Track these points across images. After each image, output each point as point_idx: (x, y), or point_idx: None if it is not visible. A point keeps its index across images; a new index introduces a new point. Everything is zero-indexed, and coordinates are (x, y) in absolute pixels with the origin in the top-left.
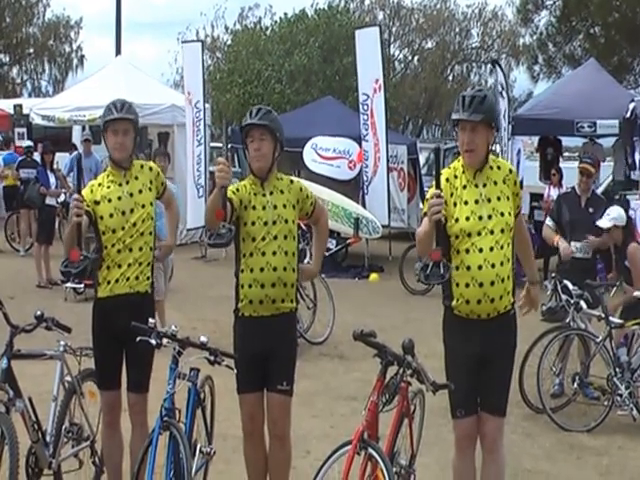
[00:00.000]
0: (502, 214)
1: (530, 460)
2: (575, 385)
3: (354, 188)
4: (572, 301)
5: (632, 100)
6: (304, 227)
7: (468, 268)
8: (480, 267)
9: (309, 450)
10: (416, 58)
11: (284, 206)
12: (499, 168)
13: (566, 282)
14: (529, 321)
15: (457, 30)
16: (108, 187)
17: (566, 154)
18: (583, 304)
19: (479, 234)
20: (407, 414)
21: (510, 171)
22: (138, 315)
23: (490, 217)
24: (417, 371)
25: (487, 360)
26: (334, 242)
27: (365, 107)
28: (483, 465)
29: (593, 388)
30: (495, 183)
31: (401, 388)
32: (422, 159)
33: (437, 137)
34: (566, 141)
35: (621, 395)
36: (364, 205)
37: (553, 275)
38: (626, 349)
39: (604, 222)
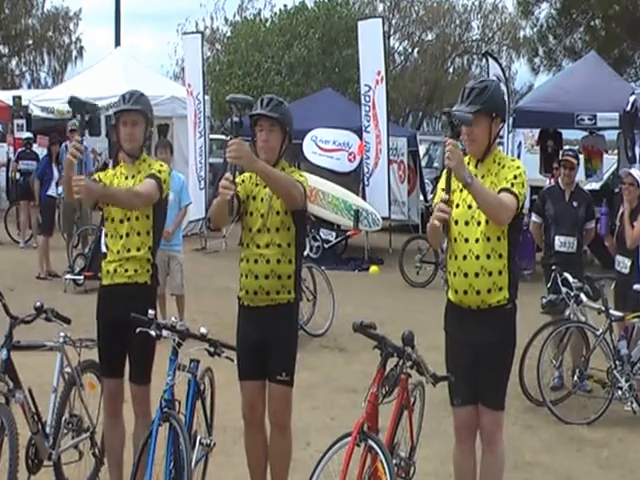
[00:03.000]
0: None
1: (530, 452)
2: (575, 378)
3: (354, 180)
4: (572, 294)
5: (632, 93)
6: None
7: (456, 257)
8: (465, 257)
9: (309, 442)
10: (416, 50)
11: (277, 197)
12: (503, 167)
13: (566, 275)
14: (529, 314)
15: (457, 22)
16: (117, 177)
17: (566, 147)
18: (583, 297)
19: (466, 223)
20: (407, 406)
21: (515, 177)
22: (137, 305)
23: (473, 212)
24: (417, 363)
25: (480, 353)
26: (334, 234)
27: (367, 98)
28: (482, 457)
29: (593, 381)
30: (489, 173)
31: (401, 380)
32: (422, 151)
33: (437, 130)
34: (567, 134)
35: (621, 388)
36: (364, 197)
37: (553, 268)
38: (626, 342)
39: (636, 172)
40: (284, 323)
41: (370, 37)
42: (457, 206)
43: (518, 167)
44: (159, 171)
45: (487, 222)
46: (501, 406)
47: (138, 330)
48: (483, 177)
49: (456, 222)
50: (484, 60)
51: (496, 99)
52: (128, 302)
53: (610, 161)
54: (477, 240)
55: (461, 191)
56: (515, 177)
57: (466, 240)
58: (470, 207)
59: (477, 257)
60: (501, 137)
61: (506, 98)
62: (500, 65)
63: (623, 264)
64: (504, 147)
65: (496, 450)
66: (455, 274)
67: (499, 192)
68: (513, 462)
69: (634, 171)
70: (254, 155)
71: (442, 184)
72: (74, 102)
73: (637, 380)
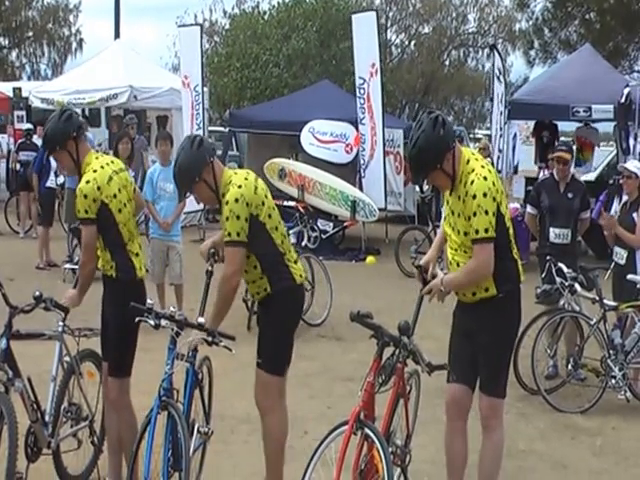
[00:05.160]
0: (458, 232)
1: (524, 440)
2: (569, 367)
3: (351, 171)
4: (566, 284)
5: (627, 85)
6: (301, 209)
7: (448, 257)
8: (450, 263)
9: (306, 430)
10: (413, 43)
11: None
12: (467, 193)
13: (561, 265)
14: (524, 304)
15: (454, 15)
16: None
17: (562, 139)
18: (577, 287)
19: (449, 235)
20: (403, 395)
21: (474, 196)
22: (109, 295)
23: (453, 229)
24: (413, 352)
25: (474, 338)
26: (331, 225)
27: (362, 91)
28: (481, 444)
29: (587, 370)
30: (459, 198)
31: (397, 369)
32: None
33: None
34: (562, 125)
35: (615, 377)
36: (361, 188)
37: (547, 258)
38: (620, 331)
39: (629, 166)
40: (264, 313)
41: (364, 30)
42: (444, 219)
43: (474, 195)
44: (78, 194)
45: (465, 234)
46: (496, 393)
47: (137, 320)
48: (457, 197)
49: (445, 218)
50: (487, 52)
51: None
52: (105, 293)
53: (604, 153)
54: (456, 250)
55: (447, 202)
56: (475, 214)
57: (451, 247)
58: (449, 225)
59: (458, 264)
60: (500, 129)
61: (503, 90)
62: (502, 58)
63: (620, 255)
64: (502, 139)
65: (493, 437)
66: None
67: (473, 242)
68: (507, 450)
69: (628, 164)
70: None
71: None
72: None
73: (632, 368)
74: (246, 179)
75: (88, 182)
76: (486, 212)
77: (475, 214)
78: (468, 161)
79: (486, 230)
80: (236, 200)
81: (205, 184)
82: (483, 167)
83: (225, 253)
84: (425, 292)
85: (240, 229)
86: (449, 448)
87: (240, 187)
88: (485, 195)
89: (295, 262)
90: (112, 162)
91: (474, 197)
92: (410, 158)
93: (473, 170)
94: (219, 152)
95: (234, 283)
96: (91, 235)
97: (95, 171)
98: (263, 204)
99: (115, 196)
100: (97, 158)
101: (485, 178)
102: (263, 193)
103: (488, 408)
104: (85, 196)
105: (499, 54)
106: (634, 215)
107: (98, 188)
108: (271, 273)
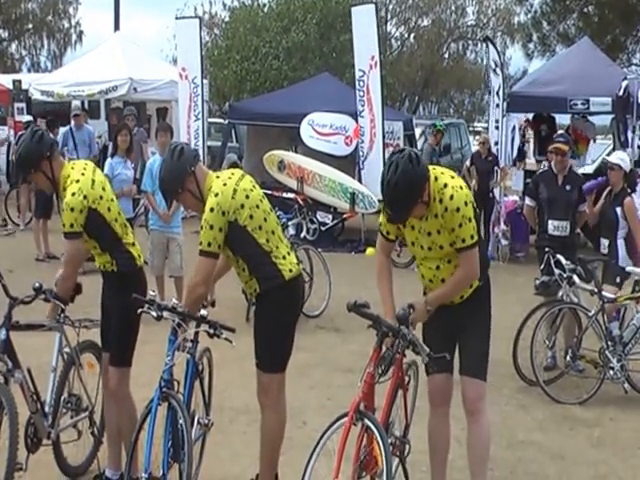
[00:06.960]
0: (441, 247)
1: (523, 431)
2: (568, 358)
3: (350, 163)
4: (565, 275)
5: (625, 78)
6: (300, 201)
7: (423, 276)
8: (431, 280)
9: (305, 421)
10: (412, 36)
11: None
12: (446, 209)
13: (559, 257)
14: (523, 295)
15: (453, 8)
16: None
17: (560, 132)
18: (576, 278)
19: (424, 258)
20: (402, 385)
21: (457, 209)
22: (111, 286)
23: (430, 249)
24: (412, 342)
25: (458, 323)
26: (330, 217)
27: (361, 83)
28: (468, 430)
29: (585, 361)
30: (435, 216)
31: (396, 359)
32: (418, 134)
33: (433, 114)
34: (560, 118)
35: (613, 368)
36: (360, 180)
37: (546, 250)
38: (618, 323)
39: (612, 157)
40: (259, 312)
41: (364, 22)
42: (412, 244)
43: (458, 208)
44: (65, 208)
45: (451, 244)
46: (483, 376)
47: (140, 311)
48: (426, 219)
49: (413, 244)
50: (483, 45)
51: None
52: (106, 284)
53: (602, 146)
54: (438, 267)
55: (413, 228)
56: (460, 225)
57: (429, 267)
58: (422, 248)
59: (442, 280)
60: (497, 122)
61: (500, 83)
62: (497, 51)
63: (603, 245)
64: (499, 132)
65: (480, 419)
66: (429, 288)
67: (458, 250)
68: (507, 441)
69: (612, 157)
70: None
71: None
72: None
73: (630, 360)
74: (225, 184)
75: (74, 194)
76: (469, 219)
77: (461, 225)
78: (436, 178)
79: (472, 237)
80: (211, 210)
81: (189, 193)
82: (453, 177)
83: (197, 261)
84: (414, 323)
85: (212, 239)
86: (433, 432)
87: (217, 195)
88: (466, 204)
89: (284, 257)
90: (86, 164)
91: (457, 210)
92: (394, 201)
93: (445, 185)
94: (218, 143)
95: (199, 292)
96: (75, 250)
97: (78, 181)
98: (243, 207)
99: (101, 197)
100: (73, 168)
101: (461, 187)
102: (244, 194)
103: (476, 391)
104: (72, 209)
105: (494, 46)
106: (617, 209)
107: (85, 197)
108: (259, 274)
